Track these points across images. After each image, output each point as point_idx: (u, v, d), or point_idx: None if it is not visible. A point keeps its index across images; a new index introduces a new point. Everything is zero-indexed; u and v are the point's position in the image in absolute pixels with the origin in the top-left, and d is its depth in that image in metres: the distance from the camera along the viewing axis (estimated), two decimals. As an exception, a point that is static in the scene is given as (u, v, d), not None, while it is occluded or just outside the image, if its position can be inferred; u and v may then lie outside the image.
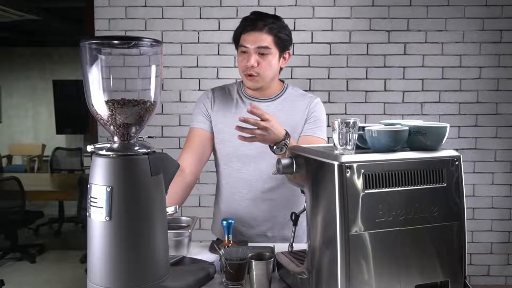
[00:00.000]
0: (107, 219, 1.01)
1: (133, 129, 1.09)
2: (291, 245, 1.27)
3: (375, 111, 3.06)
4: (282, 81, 1.75)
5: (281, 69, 1.70)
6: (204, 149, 1.72)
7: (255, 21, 1.58)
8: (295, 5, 3.01)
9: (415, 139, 1.10)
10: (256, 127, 1.42)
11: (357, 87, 3.06)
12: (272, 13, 2.93)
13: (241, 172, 1.69)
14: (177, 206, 1.43)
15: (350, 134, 1.04)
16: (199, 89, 3.04)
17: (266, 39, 1.58)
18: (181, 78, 3.06)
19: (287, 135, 1.49)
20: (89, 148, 1.07)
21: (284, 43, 1.64)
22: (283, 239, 1.65)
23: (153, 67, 1.12)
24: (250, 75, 1.60)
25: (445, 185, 1.08)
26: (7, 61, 8.94)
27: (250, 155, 1.66)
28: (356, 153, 1.05)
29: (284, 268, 1.26)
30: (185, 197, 1.70)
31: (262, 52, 1.58)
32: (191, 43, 3.04)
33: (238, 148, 1.66)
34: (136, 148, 1.07)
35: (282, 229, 1.69)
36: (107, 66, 1.08)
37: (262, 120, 1.42)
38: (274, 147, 1.48)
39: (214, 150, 1.76)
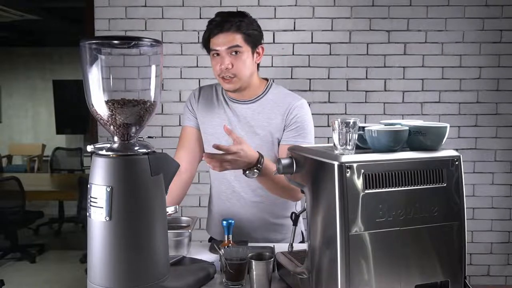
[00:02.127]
0: (107, 219, 1.01)
1: (133, 129, 1.09)
2: (291, 245, 1.27)
3: (375, 111, 3.06)
4: (266, 79, 1.70)
5: (258, 65, 1.65)
6: (196, 146, 1.73)
7: (222, 23, 1.54)
8: (295, 5, 3.01)
9: (415, 139, 1.10)
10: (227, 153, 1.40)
11: (357, 87, 3.06)
12: (272, 13, 2.98)
13: (223, 173, 1.65)
14: (177, 206, 1.43)
15: (350, 134, 1.04)
16: (199, 89, 3.04)
17: (236, 38, 1.54)
18: (181, 78, 3.06)
19: (260, 157, 1.46)
20: (89, 148, 1.07)
21: (254, 38, 1.58)
22: (267, 242, 1.63)
23: (153, 67, 1.12)
24: (226, 78, 1.56)
25: (445, 185, 1.08)
26: (7, 61, 8.94)
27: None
28: (356, 153, 1.05)
29: (284, 268, 1.27)
30: (183, 196, 1.71)
31: (234, 51, 1.54)
32: (191, 43, 3.04)
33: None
34: (136, 148, 1.07)
35: (267, 231, 1.68)
36: (107, 66, 1.08)
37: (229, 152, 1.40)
38: (247, 171, 1.46)
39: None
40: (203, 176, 3.00)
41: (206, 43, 1.60)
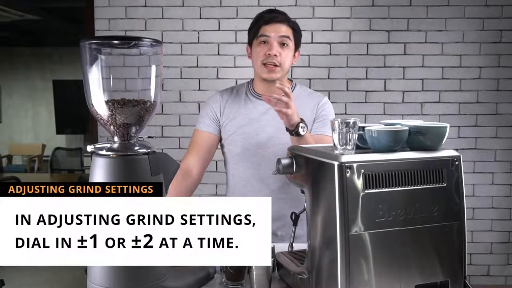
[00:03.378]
0: (107, 219, 1.01)
1: (133, 129, 1.09)
2: (291, 245, 1.28)
3: (375, 111, 3.06)
4: (290, 80, 1.78)
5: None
6: (210, 152, 1.74)
7: (278, 14, 1.65)
8: (295, 5, 3.01)
9: (415, 139, 1.10)
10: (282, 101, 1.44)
11: (357, 87, 3.06)
12: (272, 13, 2.98)
13: (251, 171, 1.70)
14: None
15: (350, 134, 1.04)
16: (199, 89, 3.04)
17: (288, 30, 1.64)
18: (181, 78, 3.06)
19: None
20: (89, 148, 1.07)
21: (299, 39, 1.69)
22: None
23: (153, 67, 1.12)
24: (271, 65, 1.62)
25: (445, 185, 1.08)
26: (7, 61, 8.93)
27: (260, 154, 1.68)
28: (356, 153, 1.05)
29: (284, 268, 1.27)
30: None
31: (283, 42, 1.62)
32: (191, 43, 3.04)
33: (248, 148, 1.68)
34: (136, 148, 1.07)
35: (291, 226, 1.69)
36: (107, 66, 1.08)
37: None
38: (299, 127, 1.48)
39: (222, 151, 1.78)
40: (204, 176, 2.99)
41: (255, 30, 1.65)
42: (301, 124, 1.48)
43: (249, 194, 1.71)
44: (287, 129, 1.51)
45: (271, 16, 1.63)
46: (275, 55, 1.60)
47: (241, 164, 1.71)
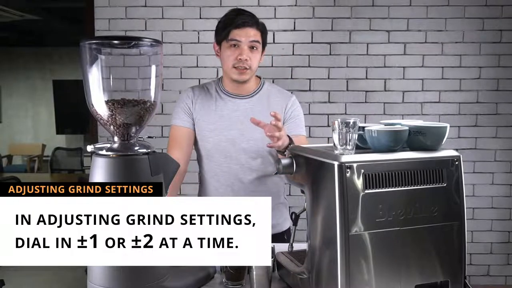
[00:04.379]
0: (107, 219, 1.01)
1: (133, 129, 1.09)
2: (291, 245, 1.28)
3: (375, 111, 3.06)
4: (259, 77, 1.81)
5: None
6: (191, 146, 1.79)
7: (247, 18, 1.66)
8: (295, 5, 3.01)
9: (415, 139, 1.10)
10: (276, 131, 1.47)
11: (357, 87, 3.06)
12: (272, 13, 2.98)
13: (223, 166, 1.73)
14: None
15: (350, 134, 1.04)
16: (199, 89, 3.04)
17: (257, 34, 1.67)
18: (181, 78, 3.06)
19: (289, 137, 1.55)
20: (89, 148, 1.07)
21: (266, 40, 1.73)
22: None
23: (153, 67, 1.12)
24: (242, 68, 1.65)
25: (445, 185, 1.08)
26: (7, 61, 8.93)
27: (230, 149, 1.71)
28: (356, 153, 1.05)
29: (284, 268, 1.27)
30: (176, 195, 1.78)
31: (253, 46, 1.66)
32: (191, 43, 3.04)
33: (219, 144, 1.72)
34: (136, 148, 1.07)
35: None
36: (107, 66, 1.08)
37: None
38: (288, 149, 1.50)
39: (196, 148, 1.81)
40: (203, 176, 2.97)
41: (225, 34, 1.66)
42: (290, 146, 1.50)
43: (221, 189, 1.74)
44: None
45: (242, 21, 1.64)
46: (246, 59, 1.64)
47: (212, 159, 1.75)
